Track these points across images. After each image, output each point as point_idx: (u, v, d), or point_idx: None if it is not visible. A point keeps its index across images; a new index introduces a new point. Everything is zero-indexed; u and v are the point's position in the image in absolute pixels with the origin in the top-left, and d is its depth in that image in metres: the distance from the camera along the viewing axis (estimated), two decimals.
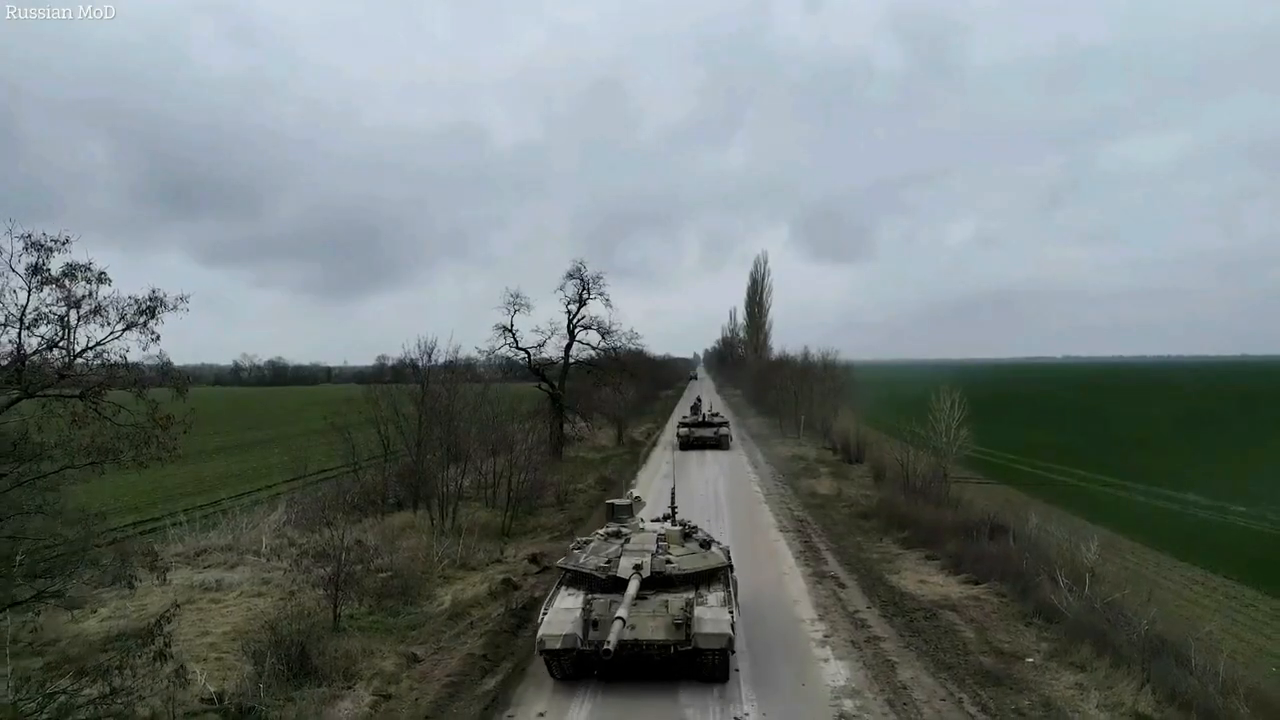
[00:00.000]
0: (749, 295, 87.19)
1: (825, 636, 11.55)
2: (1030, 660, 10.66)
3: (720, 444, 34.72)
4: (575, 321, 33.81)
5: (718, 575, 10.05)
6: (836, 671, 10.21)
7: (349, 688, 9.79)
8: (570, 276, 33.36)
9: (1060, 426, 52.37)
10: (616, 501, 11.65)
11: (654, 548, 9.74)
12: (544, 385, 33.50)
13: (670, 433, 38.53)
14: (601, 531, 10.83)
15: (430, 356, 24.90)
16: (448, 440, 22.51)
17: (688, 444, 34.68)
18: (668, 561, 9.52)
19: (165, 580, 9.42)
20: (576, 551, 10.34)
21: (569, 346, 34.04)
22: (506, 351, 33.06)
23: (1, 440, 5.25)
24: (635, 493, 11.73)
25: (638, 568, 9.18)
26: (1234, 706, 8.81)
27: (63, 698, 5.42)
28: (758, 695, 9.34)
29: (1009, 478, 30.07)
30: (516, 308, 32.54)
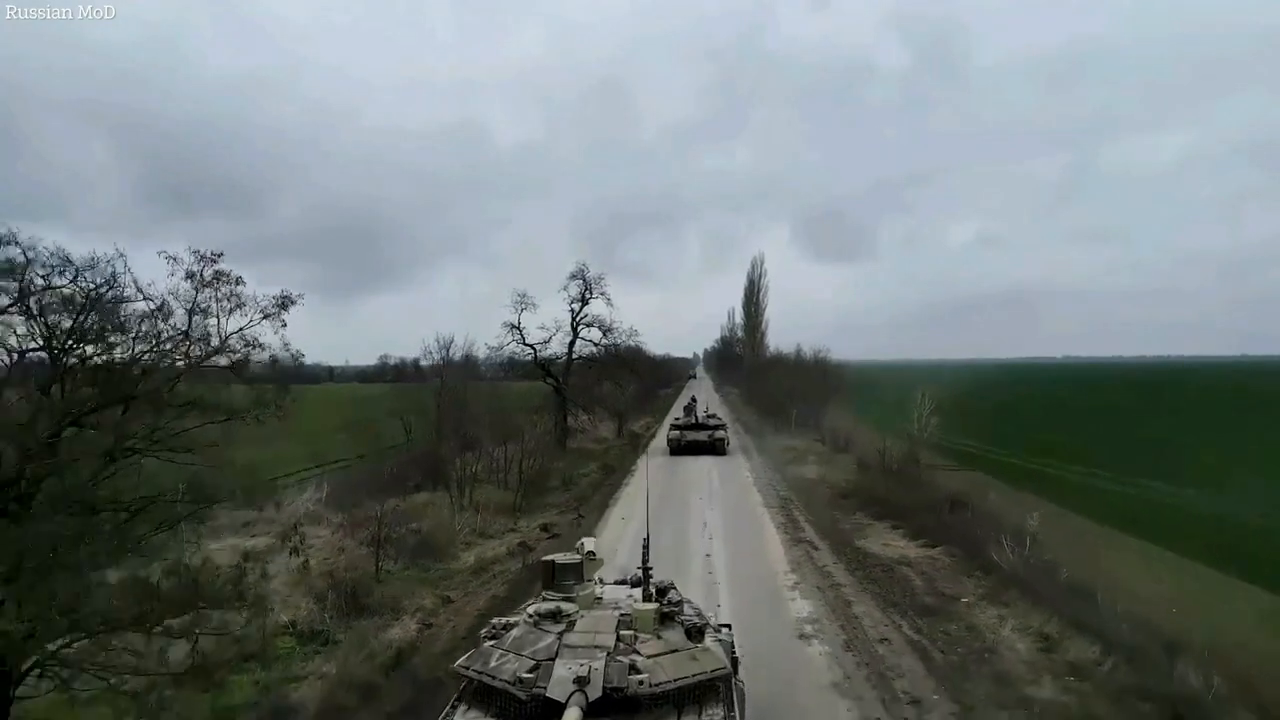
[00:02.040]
0: (746, 296, 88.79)
1: (795, 584, 13.64)
2: (965, 600, 12.73)
3: (716, 448, 32.33)
4: (578, 320, 35.99)
5: (714, 689, 5.83)
6: (801, 607, 12.34)
7: (397, 619, 11.90)
8: (573, 277, 35.68)
9: (1053, 425, 54.26)
10: (559, 559, 6.98)
11: (611, 641, 5.79)
12: (549, 380, 35.61)
13: (666, 432, 35.02)
14: (532, 609, 6.40)
15: (448, 353, 27.11)
16: (462, 429, 24.71)
17: (679, 448, 32.38)
18: (633, 668, 5.49)
19: (279, 509, 11.48)
20: (490, 645, 6.06)
21: (572, 343, 36.24)
22: (514, 348, 35.22)
23: (176, 399, 7.52)
24: (589, 545, 7.10)
25: (581, 681, 5.28)
26: (1118, 627, 10.87)
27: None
28: (736, 621, 11.34)
29: (1000, 473, 31.87)
30: (523, 306, 34.76)
